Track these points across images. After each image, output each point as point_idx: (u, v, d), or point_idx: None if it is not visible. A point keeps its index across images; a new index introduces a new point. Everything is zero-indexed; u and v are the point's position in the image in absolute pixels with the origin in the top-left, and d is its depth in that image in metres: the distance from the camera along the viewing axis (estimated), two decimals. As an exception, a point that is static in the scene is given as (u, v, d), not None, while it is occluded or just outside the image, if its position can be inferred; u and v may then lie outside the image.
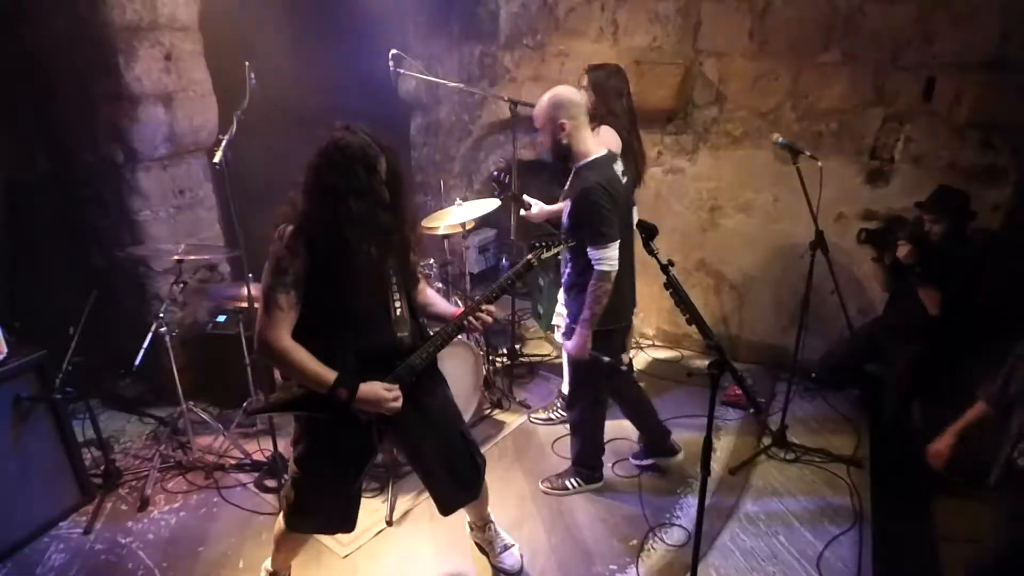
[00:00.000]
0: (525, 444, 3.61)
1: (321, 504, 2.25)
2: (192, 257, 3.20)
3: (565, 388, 3.77)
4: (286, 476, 2.54)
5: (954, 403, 3.40)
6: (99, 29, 3.24)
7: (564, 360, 3.73)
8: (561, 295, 3.57)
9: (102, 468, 3.20)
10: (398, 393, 2.07)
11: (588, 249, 2.62)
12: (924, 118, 3.57)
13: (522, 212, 3.50)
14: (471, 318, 2.23)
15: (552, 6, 4.39)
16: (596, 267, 2.62)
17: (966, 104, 3.44)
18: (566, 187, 2.75)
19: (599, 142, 3.19)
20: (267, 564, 2.55)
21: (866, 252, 3.66)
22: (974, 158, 3.50)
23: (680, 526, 3.00)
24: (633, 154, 3.31)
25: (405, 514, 3.06)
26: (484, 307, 2.23)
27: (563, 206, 2.77)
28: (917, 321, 3.36)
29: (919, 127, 3.59)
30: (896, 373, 3.53)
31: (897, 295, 3.59)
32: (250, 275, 2.97)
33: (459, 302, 3.67)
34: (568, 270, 2.85)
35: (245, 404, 3.50)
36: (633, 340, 4.35)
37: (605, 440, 3.56)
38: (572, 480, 3.20)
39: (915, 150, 3.63)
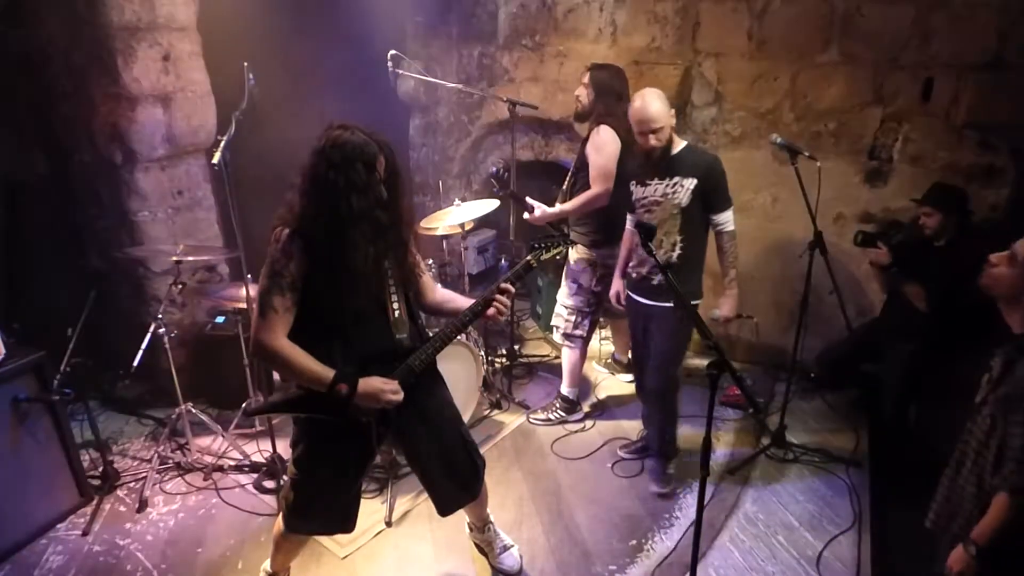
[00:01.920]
0: (524, 445, 3.61)
1: (320, 505, 2.25)
2: (191, 258, 3.20)
3: (564, 389, 3.78)
4: (285, 477, 2.54)
5: (952, 402, 3.41)
6: (97, 29, 3.23)
7: (564, 361, 3.73)
8: (567, 299, 3.58)
9: (100, 469, 3.19)
10: (397, 386, 2.06)
11: (717, 215, 2.92)
12: (922, 118, 3.57)
13: (525, 215, 3.50)
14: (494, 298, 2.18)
15: (551, 7, 4.39)
16: (727, 228, 2.95)
17: (964, 104, 3.44)
18: (672, 168, 2.88)
19: (600, 142, 3.21)
20: (266, 565, 2.55)
21: (865, 252, 3.66)
22: (972, 158, 3.51)
23: (679, 526, 3.00)
24: (632, 156, 3.32)
25: (404, 515, 3.05)
26: (503, 286, 2.19)
27: (665, 186, 2.89)
28: (915, 320, 3.36)
29: (917, 127, 3.60)
30: (894, 372, 3.54)
31: (894, 295, 3.59)
32: (249, 276, 2.97)
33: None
34: (679, 250, 2.91)
35: (244, 405, 3.49)
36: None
37: (604, 441, 3.57)
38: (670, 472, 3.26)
39: (913, 150, 3.64)
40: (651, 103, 2.78)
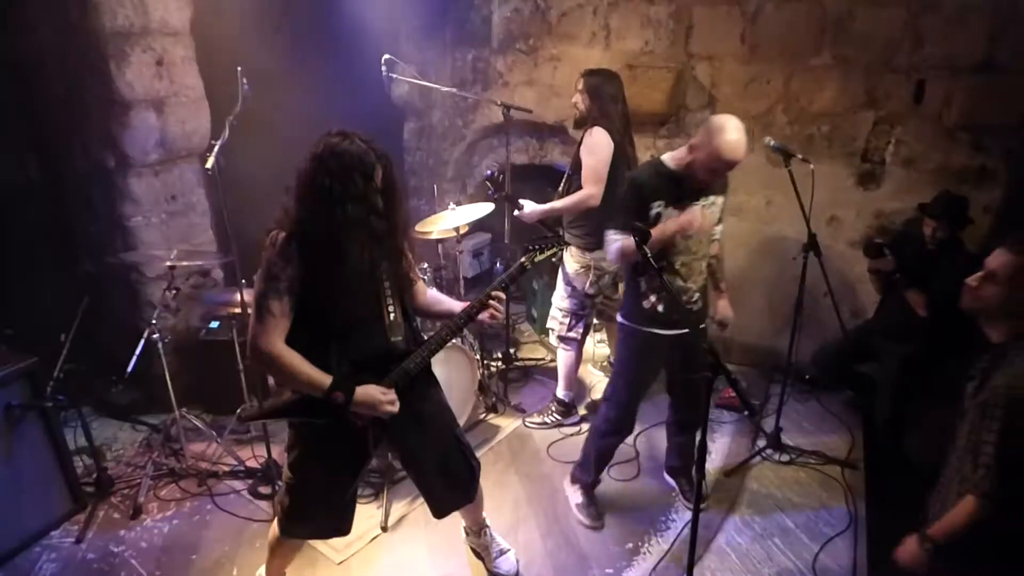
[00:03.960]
0: (520, 448, 3.60)
1: (316, 510, 2.24)
2: (185, 263, 3.19)
3: (559, 392, 3.77)
4: (280, 482, 2.53)
5: (947, 404, 3.42)
6: (90, 35, 3.22)
7: (560, 363, 3.73)
8: (561, 301, 3.58)
9: (94, 476, 3.17)
10: (394, 396, 2.06)
11: (719, 226, 2.84)
12: (914, 120, 3.59)
13: (515, 212, 3.51)
14: (483, 305, 2.19)
15: (544, 11, 4.40)
16: (719, 237, 2.89)
17: (956, 106, 3.47)
18: (706, 188, 2.66)
19: (592, 143, 3.21)
20: (261, 571, 2.54)
21: (859, 254, 3.68)
22: (964, 160, 3.53)
23: (675, 529, 3.00)
24: (626, 158, 3.33)
25: (400, 520, 3.04)
26: (494, 293, 2.19)
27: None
28: (909, 322, 3.38)
29: (910, 129, 3.62)
30: (889, 374, 3.55)
31: (889, 297, 3.61)
32: (243, 281, 2.96)
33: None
34: (706, 272, 2.86)
35: (239, 410, 3.48)
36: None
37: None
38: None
39: (906, 152, 3.66)
40: (745, 144, 2.46)
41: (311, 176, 1.92)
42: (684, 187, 2.60)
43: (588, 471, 3.06)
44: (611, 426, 2.95)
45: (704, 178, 2.56)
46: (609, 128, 3.22)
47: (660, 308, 2.68)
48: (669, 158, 2.65)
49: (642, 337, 2.75)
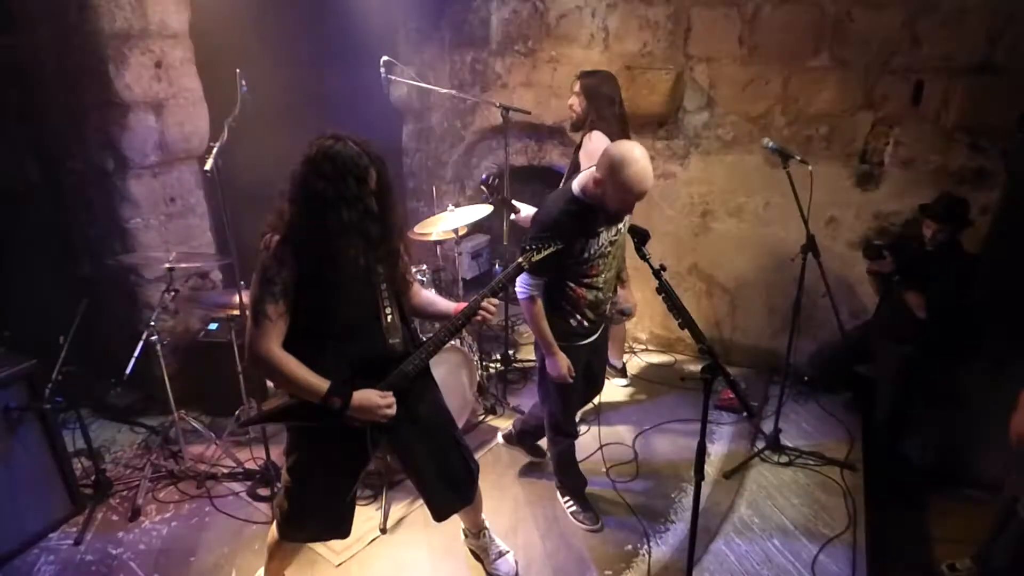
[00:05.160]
0: (519, 450, 3.60)
1: (315, 513, 2.24)
2: (183, 265, 3.19)
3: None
4: (279, 485, 2.53)
5: (944, 404, 3.43)
6: (89, 37, 3.23)
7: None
8: None
9: (92, 478, 3.17)
10: (392, 400, 2.06)
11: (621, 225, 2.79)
12: (913, 122, 3.59)
13: (512, 216, 3.51)
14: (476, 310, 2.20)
15: (543, 12, 4.40)
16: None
17: (954, 107, 3.47)
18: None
19: (592, 148, 3.22)
20: (260, 573, 2.53)
21: (857, 255, 3.69)
22: (963, 161, 3.53)
23: (674, 531, 3.00)
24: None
25: (399, 521, 3.04)
26: (487, 300, 2.20)
27: None
28: (908, 323, 3.38)
29: (908, 130, 3.62)
30: (888, 375, 3.55)
31: (888, 298, 3.61)
32: (242, 282, 2.96)
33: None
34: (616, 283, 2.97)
35: (237, 413, 3.48)
36: (627, 345, 4.35)
37: (599, 446, 3.57)
38: None
39: (904, 153, 3.66)
40: (650, 169, 2.40)
41: (304, 179, 1.91)
42: (599, 218, 2.56)
43: (565, 477, 3.12)
44: (557, 433, 3.03)
45: (617, 210, 2.52)
46: (607, 131, 3.22)
47: (586, 323, 2.76)
48: (579, 190, 2.55)
49: (571, 352, 2.76)
